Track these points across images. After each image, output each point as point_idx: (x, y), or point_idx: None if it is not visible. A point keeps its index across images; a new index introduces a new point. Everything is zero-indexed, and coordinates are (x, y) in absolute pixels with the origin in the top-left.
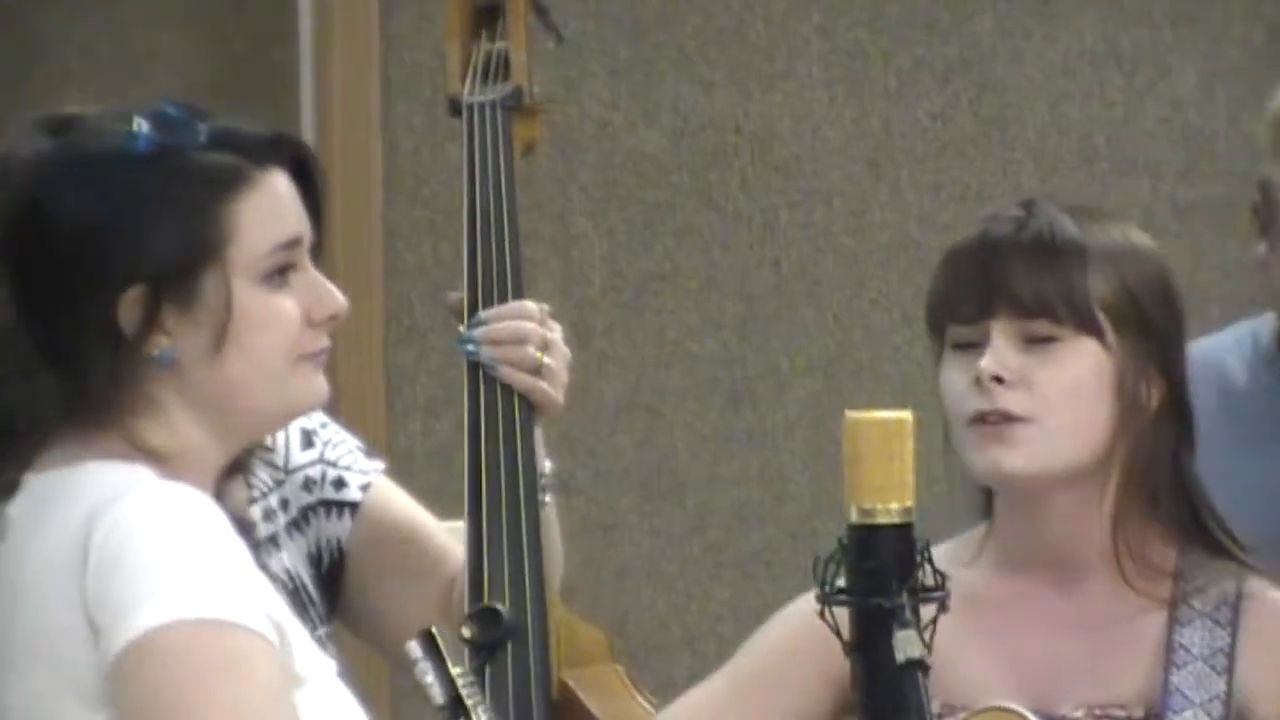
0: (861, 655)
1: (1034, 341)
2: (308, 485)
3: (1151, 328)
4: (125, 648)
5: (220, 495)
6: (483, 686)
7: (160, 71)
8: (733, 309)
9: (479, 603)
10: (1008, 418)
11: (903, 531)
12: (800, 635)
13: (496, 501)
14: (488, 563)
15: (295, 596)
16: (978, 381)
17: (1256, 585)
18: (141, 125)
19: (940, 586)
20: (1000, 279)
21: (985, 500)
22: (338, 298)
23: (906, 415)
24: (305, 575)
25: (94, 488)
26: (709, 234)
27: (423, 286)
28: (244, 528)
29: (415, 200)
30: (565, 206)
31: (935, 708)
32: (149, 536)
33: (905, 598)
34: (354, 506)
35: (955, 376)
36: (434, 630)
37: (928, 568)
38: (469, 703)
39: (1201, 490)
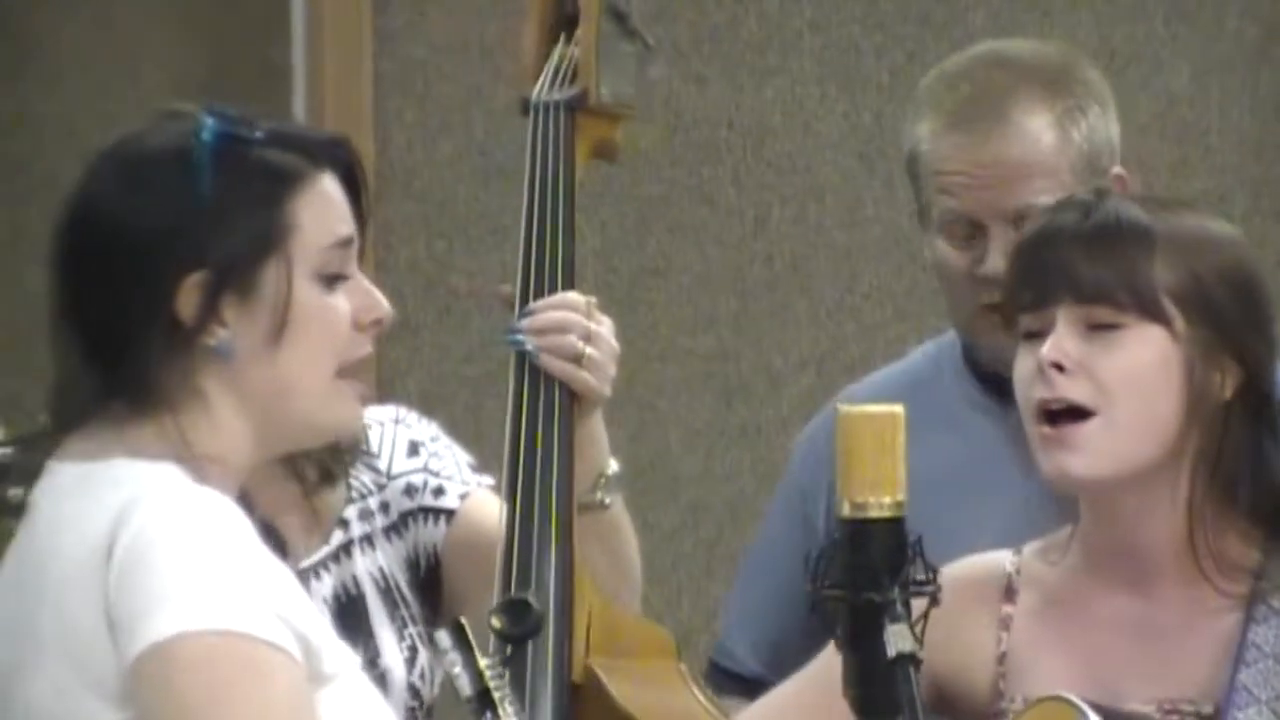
0: (853, 650)
1: (1097, 329)
2: (409, 491)
3: (1224, 316)
4: (145, 651)
5: (314, 495)
6: (505, 675)
7: (153, 69)
8: (726, 304)
9: (509, 584)
10: (1070, 408)
11: (894, 525)
12: None
13: (531, 487)
14: (519, 547)
15: (387, 595)
16: (1040, 370)
17: None
18: (207, 121)
19: (931, 580)
20: (1062, 265)
21: (1030, 477)
22: (385, 304)
23: (898, 409)
24: (400, 576)
25: (121, 486)
26: (702, 229)
27: (415, 282)
28: (269, 533)
29: (407, 195)
30: None
31: (1018, 703)
32: (174, 540)
33: (896, 592)
34: (450, 514)
35: (1022, 366)
36: (464, 622)
37: (919, 561)
38: (496, 695)
39: None
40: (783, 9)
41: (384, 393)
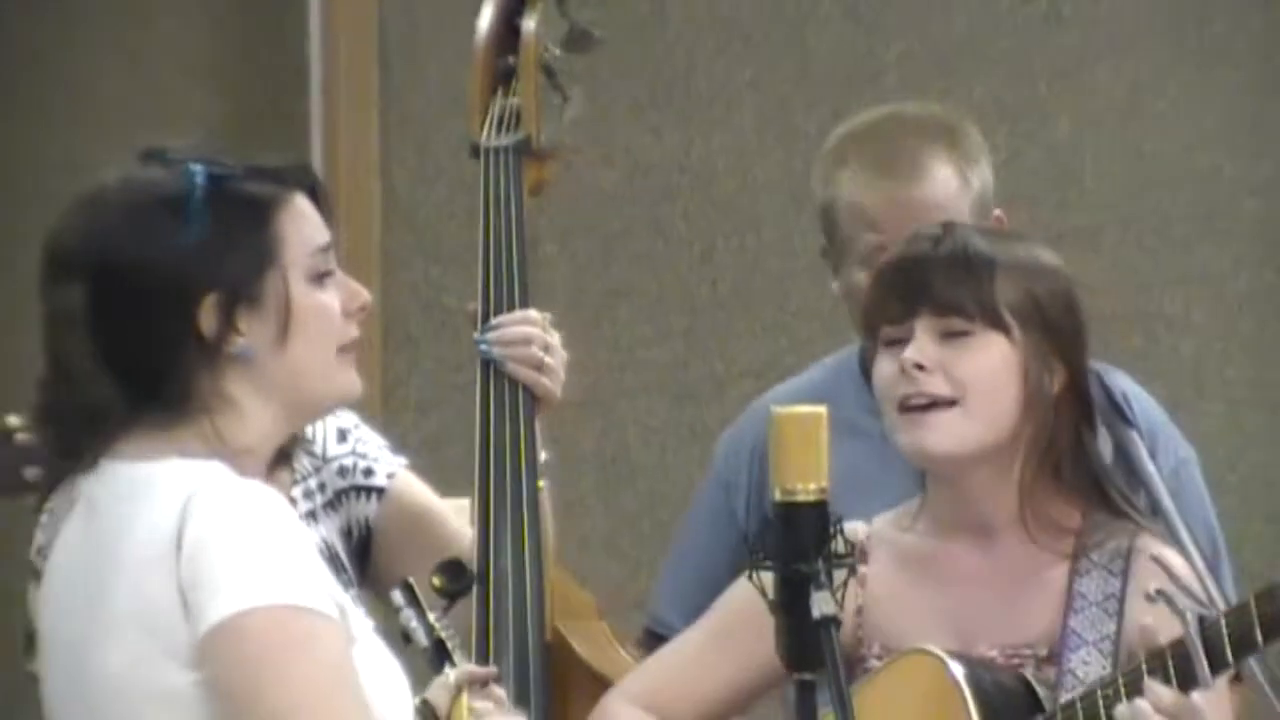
0: (784, 612)
1: (950, 336)
2: (342, 472)
3: (1053, 325)
4: (215, 626)
5: (269, 479)
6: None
7: (186, 119)
8: (678, 321)
9: (488, 554)
10: (931, 400)
11: (819, 508)
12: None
13: (502, 476)
14: (494, 526)
15: (332, 562)
16: (904, 370)
17: (1146, 541)
18: (196, 168)
19: (850, 554)
20: (922, 284)
21: (921, 475)
22: (364, 292)
23: (821, 410)
24: (339, 546)
25: (182, 484)
26: (657, 258)
27: (415, 302)
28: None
29: (409, 228)
30: (535, 234)
31: (875, 650)
32: (234, 530)
33: (820, 564)
34: (380, 491)
35: (885, 368)
36: (412, 581)
37: (839, 538)
38: (450, 645)
39: (1101, 462)
40: (727, 71)
41: (387, 397)
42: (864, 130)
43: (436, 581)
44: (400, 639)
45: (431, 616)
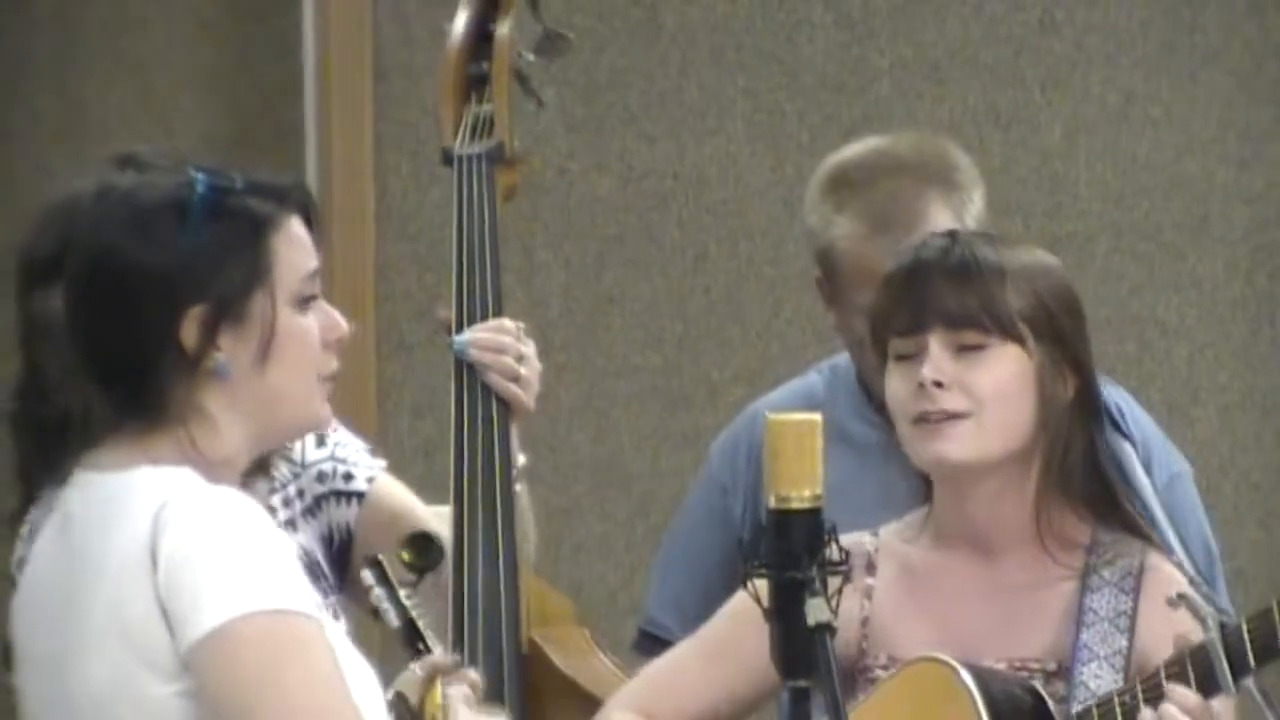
0: (778, 620)
1: (965, 349)
2: (320, 477)
3: (1062, 332)
4: (204, 637)
5: (246, 488)
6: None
7: (185, 130)
8: (671, 328)
9: (462, 564)
10: (949, 415)
11: (812, 515)
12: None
13: (475, 483)
14: (467, 534)
15: (311, 569)
16: (920, 387)
17: (1156, 559)
18: (199, 176)
19: (844, 561)
20: (932, 297)
21: (926, 487)
22: (343, 324)
23: (816, 418)
24: (319, 552)
25: (153, 493)
26: (651, 264)
27: (409, 309)
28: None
29: (402, 236)
30: (530, 241)
31: (882, 660)
32: (211, 538)
33: (815, 571)
34: (360, 496)
35: (899, 384)
36: (382, 558)
37: (833, 545)
38: (420, 624)
39: (1113, 473)
40: (719, 79)
41: (382, 402)
42: (858, 171)
43: (405, 556)
44: (370, 617)
45: (403, 594)
